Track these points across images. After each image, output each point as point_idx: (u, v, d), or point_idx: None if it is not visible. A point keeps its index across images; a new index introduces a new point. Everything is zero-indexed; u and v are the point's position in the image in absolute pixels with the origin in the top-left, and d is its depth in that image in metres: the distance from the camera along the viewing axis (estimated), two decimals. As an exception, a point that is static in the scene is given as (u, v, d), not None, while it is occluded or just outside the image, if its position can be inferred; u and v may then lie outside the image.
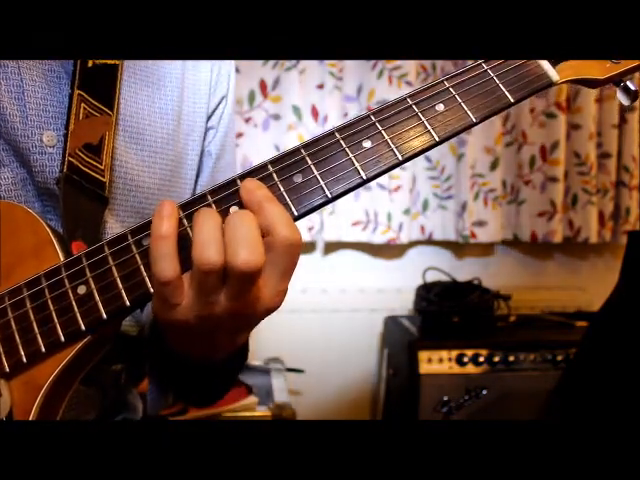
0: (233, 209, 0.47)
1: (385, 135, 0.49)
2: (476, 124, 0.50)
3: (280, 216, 0.44)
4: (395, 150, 0.49)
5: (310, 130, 1.86)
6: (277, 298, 0.46)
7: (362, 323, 1.98)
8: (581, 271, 2.17)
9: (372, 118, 0.49)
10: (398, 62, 1.88)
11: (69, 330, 0.47)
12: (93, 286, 0.47)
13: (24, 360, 0.48)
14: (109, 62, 0.62)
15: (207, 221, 0.43)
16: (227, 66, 0.76)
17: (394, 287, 2.01)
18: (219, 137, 0.76)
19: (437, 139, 0.49)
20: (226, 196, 0.48)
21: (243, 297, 0.44)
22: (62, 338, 0.47)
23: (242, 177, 0.48)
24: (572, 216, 2.04)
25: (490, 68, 0.51)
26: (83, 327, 0.47)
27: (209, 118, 0.74)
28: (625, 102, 0.54)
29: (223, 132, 0.77)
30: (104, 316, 0.47)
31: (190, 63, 0.72)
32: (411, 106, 0.50)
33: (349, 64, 1.88)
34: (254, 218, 0.44)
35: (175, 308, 0.45)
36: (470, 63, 0.52)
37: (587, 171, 1.99)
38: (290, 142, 1.84)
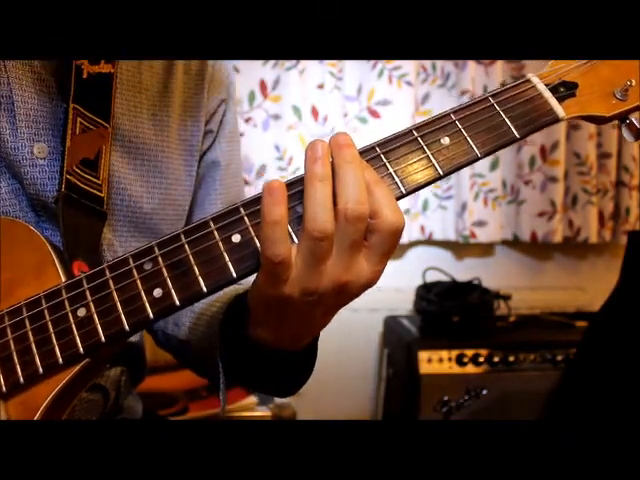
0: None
1: (390, 168, 0.48)
2: (480, 159, 0.49)
3: (388, 199, 0.45)
4: (399, 183, 0.48)
5: (310, 130, 1.86)
6: (375, 275, 0.47)
7: (362, 323, 1.98)
8: (581, 271, 2.17)
9: (377, 150, 0.49)
10: (398, 62, 1.87)
11: (68, 353, 0.47)
12: (93, 309, 0.47)
13: (21, 381, 0.47)
14: (104, 70, 0.61)
15: (317, 191, 0.44)
16: (224, 69, 0.74)
17: (394, 287, 2.00)
18: (224, 145, 0.74)
19: (441, 173, 0.48)
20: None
21: (351, 267, 0.45)
22: (60, 361, 0.47)
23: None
24: (572, 216, 2.04)
25: (497, 102, 0.50)
26: (82, 350, 0.47)
27: (207, 121, 0.72)
28: (630, 139, 0.54)
29: (227, 139, 0.75)
30: (103, 340, 0.47)
31: (180, 66, 0.70)
32: (417, 139, 0.49)
33: (349, 64, 1.88)
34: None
35: (284, 282, 0.45)
36: (477, 97, 0.51)
37: (587, 171, 1.99)
38: (290, 142, 1.84)
